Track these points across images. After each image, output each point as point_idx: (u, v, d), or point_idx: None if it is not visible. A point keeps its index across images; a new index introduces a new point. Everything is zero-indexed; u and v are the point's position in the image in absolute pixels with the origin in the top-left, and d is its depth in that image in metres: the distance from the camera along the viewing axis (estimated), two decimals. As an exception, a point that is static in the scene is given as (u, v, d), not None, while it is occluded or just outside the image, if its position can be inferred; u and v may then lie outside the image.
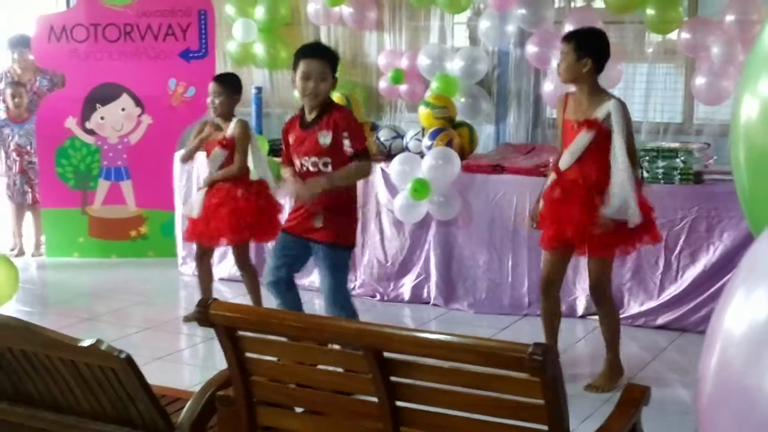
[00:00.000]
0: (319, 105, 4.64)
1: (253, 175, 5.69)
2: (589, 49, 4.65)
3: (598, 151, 4.59)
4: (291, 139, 4.77)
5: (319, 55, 4.63)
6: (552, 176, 4.79)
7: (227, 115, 5.67)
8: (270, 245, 6.55)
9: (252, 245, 6.32)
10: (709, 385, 1.92)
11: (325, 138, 4.61)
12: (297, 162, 4.72)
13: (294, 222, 4.80)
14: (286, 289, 4.89)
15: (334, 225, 4.70)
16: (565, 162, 4.69)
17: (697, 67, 6.17)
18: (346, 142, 4.60)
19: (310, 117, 4.69)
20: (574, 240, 4.68)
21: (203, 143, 5.76)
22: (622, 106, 4.61)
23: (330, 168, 4.63)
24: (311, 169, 4.66)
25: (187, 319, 5.93)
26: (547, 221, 4.78)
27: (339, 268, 4.78)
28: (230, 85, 5.71)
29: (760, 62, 3.14)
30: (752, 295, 1.89)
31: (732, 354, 1.86)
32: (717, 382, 1.89)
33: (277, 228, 5.59)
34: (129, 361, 2.69)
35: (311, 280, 6.58)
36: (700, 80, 6.05)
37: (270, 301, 5.97)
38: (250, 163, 5.68)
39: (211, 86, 5.67)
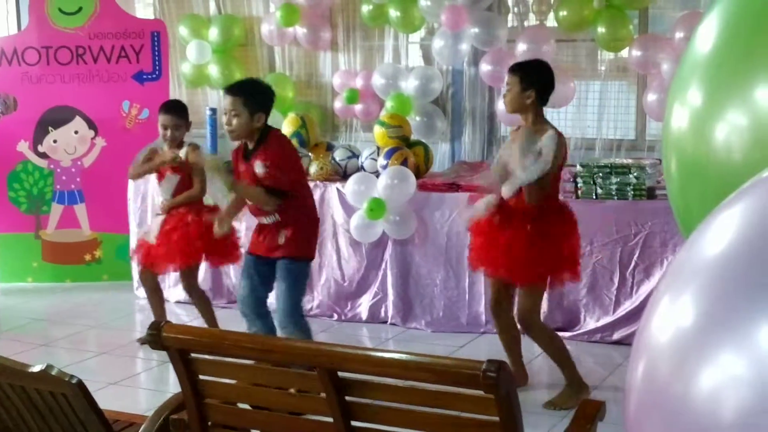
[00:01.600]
0: (250, 136, 4.73)
1: (207, 200, 5.71)
2: (534, 81, 4.71)
3: (540, 183, 4.59)
4: (239, 169, 4.86)
5: (229, 91, 4.73)
6: (491, 198, 4.78)
7: (181, 143, 5.66)
8: (231, 269, 6.58)
9: (210, 271, 6.31)
10: (636, 393, 1.92)
11: (260, 168, 4.70)
12: None
13: (258, 244, 4.87)
14: (262, 313, 4.93)
15: (294, 239, 4.77)
16: (507, 191, 4.69)
17: (649, 83, 6.25)
18: (264, 171, 4.67)
19: (250, 146, 4.78)
20: (494, 262, 4.76)
21: (158, 168, 5.73)
22: (558, 138, 4.62)
23: None
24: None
25: (142, 341, 5.87)
26: (478, 246, 4.84)
27: (299, 281, 4.85)
28: (185, 114, 5.72)
29: (688, 72, 3.18)
30: (677, 302, 1.89)
31: (658, 362, 1.86)
32: (644, 391, 1.89)
33: (234, 251, 5.59)
34: (80, 386, 2.65)
35: (269, 301, 6.57)
36: (651, 97, 6.11)
37: (226, 324, 5.95)
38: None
39: (168, 118, 5.61)
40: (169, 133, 5.62)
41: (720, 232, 1.93)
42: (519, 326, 4.96)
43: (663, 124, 3.36)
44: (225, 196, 5.36)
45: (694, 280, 1.87)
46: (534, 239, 4.65)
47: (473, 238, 4.95)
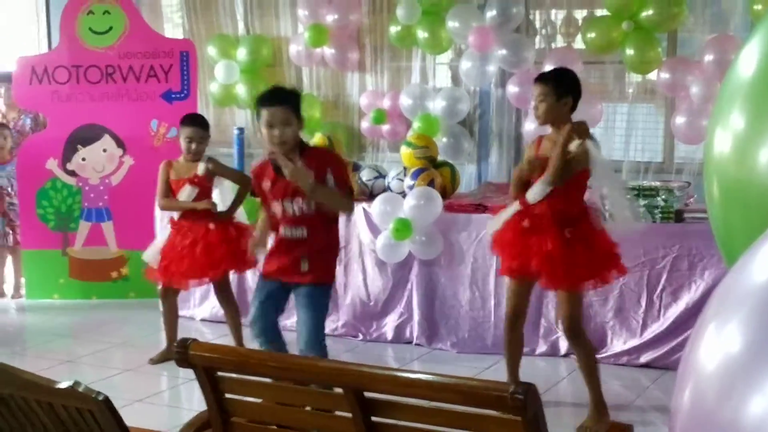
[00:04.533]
0: (293, 149, 4.49)
1: (220, 207, 5.78)
2: (568, 87, 4.68)
3: (568, 184, 4.63)
4: (266, 186, 4.64)
5: (278, 101, 4.45)
6: (516, 206, 4.79)
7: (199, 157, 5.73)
8: (250, 277, 6.61)
9: (234, 282, 6.31)
10: (683, 420, 1.90)
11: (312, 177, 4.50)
12: (278, 207, 4.59)
13: (275, 267, 4.70)
14: (276, 336, 4.82)
15: (318, 265, 4.64)
16: (534, 194, 4.68)
17: (677, 106, 6.22)
18: (330, 180, 4.50)
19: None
20: (540, 271, 4.69)
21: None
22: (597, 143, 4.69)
23: (313, 207, 4.53)
24: (296, 213, 4.55)
25: (154, 361, 5.91)
26: (513, 251, 4.79)
27: (322, 306, 4.72)
28: (208, 127, 5.81)
29: (731, 96, 3.16)
30: (724, 329, 1.87)
31: (705, 389, 1.84)
32: (690, 418, 1.87)
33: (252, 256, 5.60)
34: (107, 402, 2.65)
35: (293, 320, 6.57)
36: (679, 119, 6.09)
37: (251, 342, 5.94)
38: (216, 197, 5.78)
39: (194, 131, 5.67)
40: (194, 146, 5.66)
41: None
42: (565, 335, 4.90)
43: (705, 148, 3.33)
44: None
45: (742, 307, 1.85)
46: (571, 242, 4.62)
47: (501, 246, 4.87)
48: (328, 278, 4.74)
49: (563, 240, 4.62)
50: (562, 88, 4.65)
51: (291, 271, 4.63)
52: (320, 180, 4.46)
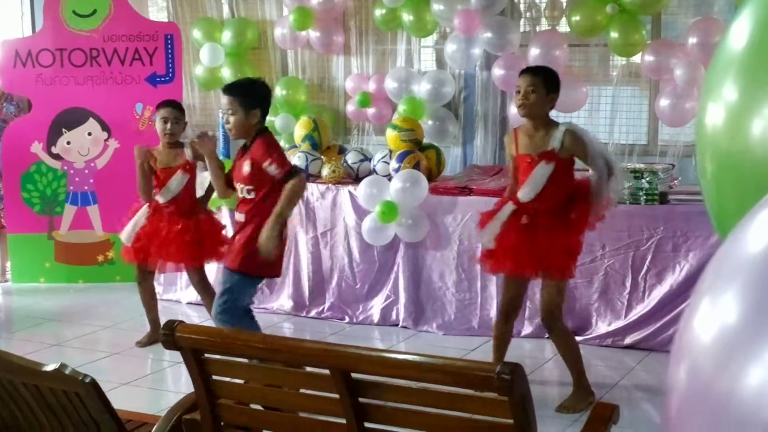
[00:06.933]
0: (247, 133, 4.77)
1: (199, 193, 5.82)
2: (555, 85, 4.73)
3: (557, 181, 4.67)
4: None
5: (225, 91, 4.85)
6: (510, 206, 4.80)
7: (177, 142, 5.71)
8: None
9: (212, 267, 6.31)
10: (679, 394, 1.90)
11: (247, 166, 4.75)
12: (237, 187, 4.86)
13: None
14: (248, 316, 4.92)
15: (242, 249, 4.75)
16: (526, 194, 4.71)
17: (661, 89, 6.24)
18: (271, 168, 4.68)
19: (248, 144, 4.85)
20: (539, 268, 4.73)
21: (145, 172, 5.71)
22: (574, 127, 4.73)
23: (253, 195, 4.73)
24: (241, 195, 4.81)
25: (141, 344, 5.92)
26: (518, 252, 4.77)
27: (232, 289, 4.79)
28: (183, 111, 5.82)
29: (723, 69, 3.17)
30: (719, 300, 1.87)
31: (701, 362, 1.84)
32: (687, 393, 1.87)
33: (223, 245, 5.60)
34: (94, 385, 2.66)
35: (280, 303, 6.58)
36: (664, 102, 6.11)
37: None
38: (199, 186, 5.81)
39: (168, 111, 5.68)
40: (169, 126, 5.64)
41: (762, 228, 1.90)
42: (543, 321, 4.92)
43: (696, 122, 3.34)
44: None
45: (738, 277, 1.84)
46: (564, 231, 4.67)
47: (501, 245, 4.82)
48: (245, 268, 4.78)
49: (565, 226, 4.67)
50: (550, 83, 4.71)
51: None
52: (258, 170, 4.70)
